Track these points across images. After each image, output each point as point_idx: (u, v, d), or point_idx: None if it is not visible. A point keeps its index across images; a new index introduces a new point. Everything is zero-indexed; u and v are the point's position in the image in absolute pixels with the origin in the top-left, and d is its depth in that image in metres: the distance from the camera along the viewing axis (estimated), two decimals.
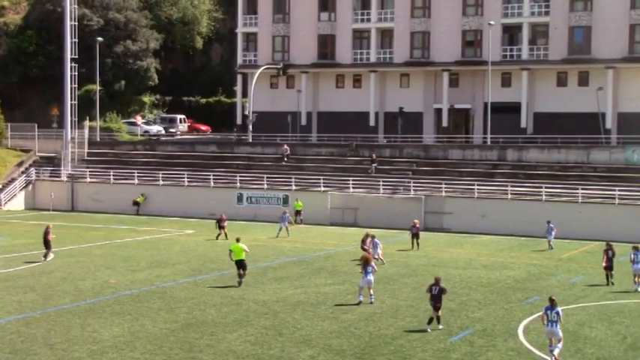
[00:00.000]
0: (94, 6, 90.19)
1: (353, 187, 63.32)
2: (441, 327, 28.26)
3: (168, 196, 67.48)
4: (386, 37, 79.64)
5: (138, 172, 70.21)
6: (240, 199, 65.47)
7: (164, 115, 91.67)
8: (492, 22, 70.66)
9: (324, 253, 46.73)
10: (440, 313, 28.40)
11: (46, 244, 43.03)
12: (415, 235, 48.73)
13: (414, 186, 61.90)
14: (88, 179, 72.08)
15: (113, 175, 70.92)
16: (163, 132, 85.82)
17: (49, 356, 24.69)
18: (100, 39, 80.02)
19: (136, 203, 67.52)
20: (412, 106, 77.53)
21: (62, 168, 74.02)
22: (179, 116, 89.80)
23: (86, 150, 76.99)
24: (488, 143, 69.93)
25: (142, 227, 57.78)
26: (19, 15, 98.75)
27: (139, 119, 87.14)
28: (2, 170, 75.72)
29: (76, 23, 74.69)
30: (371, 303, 32.35)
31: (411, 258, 45.12)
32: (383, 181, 63.39)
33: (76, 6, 75.81)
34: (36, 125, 78.37)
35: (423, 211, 59.66)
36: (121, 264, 41.95)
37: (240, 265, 36.08)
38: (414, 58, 77.68)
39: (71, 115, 74.37)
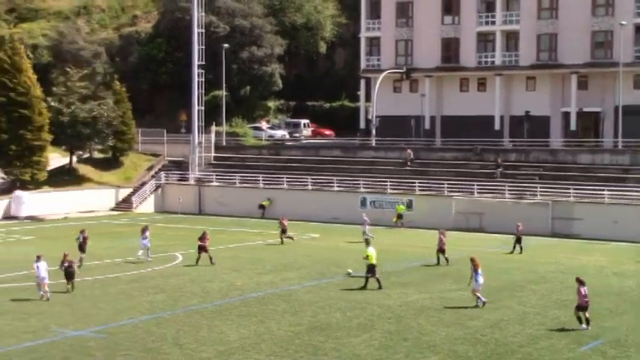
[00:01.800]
0: (221, 13, 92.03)
1: (478, 192, 62.42)
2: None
3: (293, 200, 68.07)
4: (511, 39, 78.20)
5: (263, 176, 71.21)
6: (363, 203, 65.47)
7: (288, 120, 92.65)
8: (624, 22, 68.44)
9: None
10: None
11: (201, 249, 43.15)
12: (518, 239, 47.97)
13: (540, 191, 60.52)
14: (215, 183, 73.58)
15: (239, 179, 72.17)
16: (288, 136, 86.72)
17: (178, 356, 25.25)
18: (226, 45, 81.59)
19: (261, 207, 68.43)
20: (539, 109, 75.83)
21: (190, 172, 75.79)
22: (303, 121, 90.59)
23: (213, 154, 78.60)
24: (620, 147, 67.69)
25: (267, 231, 58.50)
26: (149, 24, 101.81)
27: (264, 124, 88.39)
28: (134, 174, 78.19)
29: (203, 30, 76.40)
30: (479, 305, 32.20)
31: (539, 265, 44.08)
32: (509, 186, 62.23)
33: (204, 14, 77.54)
34: (165, 130, 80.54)
35: (551, 217, 58.24)
36: (247, 266, 42.56)
37: (371, 269, 36.10)
38: (540, 60, 76.02)
39: (198, 121, 76.10)
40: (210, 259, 42.65)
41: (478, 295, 32.49)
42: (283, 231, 52.33)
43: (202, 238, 43.15)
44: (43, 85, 71.33)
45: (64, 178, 73.93)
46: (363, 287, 36.13)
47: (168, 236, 54.39)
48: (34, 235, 53.96)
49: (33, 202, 67.10)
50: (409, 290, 36.09)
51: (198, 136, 76.62)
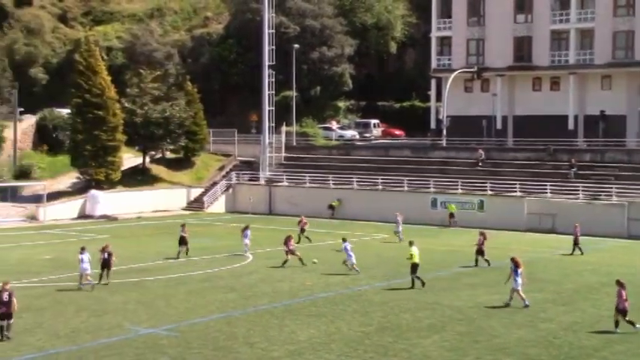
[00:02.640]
0: (291, 14, 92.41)
1: (551, 193, 61.47)
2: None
3: (363, 201, 67.99)
4: (586, 37, 76.74)
5: (332, 176, 71.26)
6: (434, 203, 65.04)
7: (358, 120, 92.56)
8: None
9: (521, 260, 45.50)
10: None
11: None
12: (575, 241, 47.23)
13: (616, 192, 59.32)
14: (285, 183, 73.91)
15: (309, 179, 72.37)
16: (357, 136, 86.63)
17: (249, 354, 25.38)
18: (296, 46, 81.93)
19: (331, 207, 68.48)
20: (614, 108, 74.27)
21: (260, 172, 76.28)
22: (373, 121, 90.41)
23: (283, 154, 78.98)
24: None
25: (337, 231, 58.49)
26: (221, 25, 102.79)
27: (334, 124, 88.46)
28: (205, 174, 79.04)
29: (274, 31, 76.81)
30: (526, 306, 32.02)
31: (614, 267, 43.20)
32: (583, 187, 61.17)
33: (274, 14, 77.97)
34: (236, 131, 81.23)
35: (627, 218, 57.05)
36: (317, 266, 42.59)
37: (415, 268, 36.23)
38: (616, 58, 74.48)
39: (269, 121, 76.54)
40: (301, 260, 42.50)
41: (521, 294, 32.36)
42: (302, 230, 52.12)
43: (287, 241, 42.97)
44: (117, 87, 72.57)
45: (137, 178, 75.11)
46: (411, 287, 36.28)
47: (239, 236, 54.68)
48: (108, 234, 54.86)
49: (107, 201, 68.31)
50: (479, 291, 35.71)
51: (269, 137, 77.06)
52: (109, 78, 71.28)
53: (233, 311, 31.52)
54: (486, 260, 42.66)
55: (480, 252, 42.87)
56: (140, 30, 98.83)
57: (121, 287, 36.46)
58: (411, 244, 37.19)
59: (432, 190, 65.83)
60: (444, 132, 76.91)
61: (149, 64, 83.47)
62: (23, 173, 74.42)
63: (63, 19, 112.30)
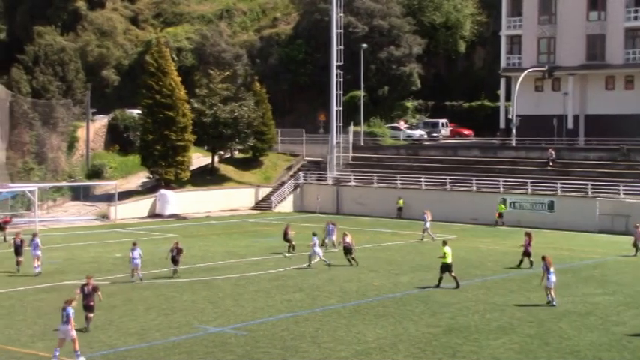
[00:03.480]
0: (360, 14, 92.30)
1: (624, 194, 60.23)
2: None
3: (431, 201, 67.47)
4: None
5: (400, 177, 70.96)
6: (503, 204, 64.27)
7: (427, 120, 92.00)
8: None
9: (593, 262, 44.79)
10: None
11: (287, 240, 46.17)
12: (635, 243, 46.24)
13: None
14: (353, 183, 73.83)
15: (376, 179, 72.18)
16: (426, 136, 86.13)
17: (316, 354, 25.38)
18: (364, 46, 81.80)
19: (399, 208, 68.24)
20: None
21: (328, 172, 76.33)
22: (441, 121, 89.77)
23: (351, 154, 78.90)
24: None
25: (405, 231, 58.25)
26: (289, 25, 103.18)
27: (402, 124, 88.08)
28: (273, 174, 79.42)
29: (342, 31, 76.80)
30: (553, 304, 31.92)
31: None
32: None
33: (342, 14, 77.95)
34: (304, 131, 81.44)
35: None
36: (385, 267, 42.48)
37: (446, 268, 36.19)
38: None
39: (337, 121, 76.55)
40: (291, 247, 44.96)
41: (552, 293, 32.36)
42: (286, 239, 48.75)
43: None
44: (186, 87, 73.37)
45: (206, 177, 75.84)
46: (437, 285, 36.41)
47: (307, 236, 54.77)
48: (177, 233, 55.48)
49: (177, 201, 69.11)
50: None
51: (337, 137, 77.07)
52: (178, 79, 72.08)
53: (300, 311, 31.57)
54: (531, 262, 41.92)
55: (526, 253, 42.20)
56: (209, 31, 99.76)
57: (190, 286, 36.84)
58: (444, 243, 37.10)
59: (501, 190, 65.06)
60: (514, 132, 75.96)
61: (218, 65, 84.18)
62: (95, 173, 75.79)
63: (134, 21, 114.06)
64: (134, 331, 28.13)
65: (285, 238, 47.58)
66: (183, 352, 25.48)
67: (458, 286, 35.97)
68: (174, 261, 39.33)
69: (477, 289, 36.03)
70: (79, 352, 24.52)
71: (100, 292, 28.90)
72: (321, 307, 32.39)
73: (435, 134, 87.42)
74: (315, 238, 42.64)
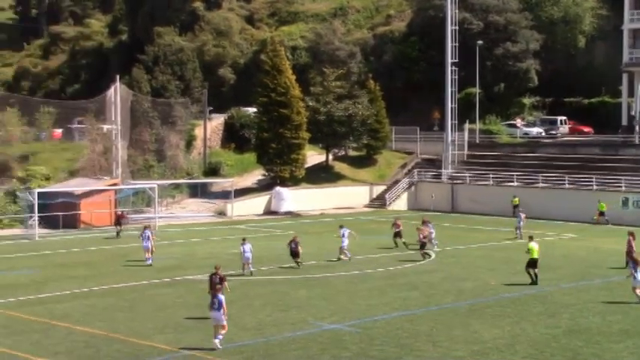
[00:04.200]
0: (475, 10, 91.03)
1: None
2: None
3: (548, 199, 66.07)
4: None
5: (517, 175, 69.69)
6: (625, 203, 62.33)
7: (544, 117, 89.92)
8: None
9: None
10: None
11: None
12: None
13: None
14: (468, 181, 72.91)
15: (492, 177, 71.08)
16: (543, 134, 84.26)
17: (431, 353, 25.14)
18: (480, 42, 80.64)
19: (515, 206, 66.99)
20: None
21: (443, 170, 75.62)
22: (560, 118, 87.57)
23: (466, 152, 77.95)
24: None
25: (521, 230, 57.12)
26: (403, 22, 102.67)
27: (518, 121, 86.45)
28: (387, 172, 79.24)
29: (457, 28, 75.93)
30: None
31: None
32: None
33: (457, 11, 77.07)
34: (418, 128, 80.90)
35: None
36: (501, 266, 41.80)
37: (533, 264, 36.07)
38: None
39: (451, 119, 75.75)
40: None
41: (638, 292, 31.52)
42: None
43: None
44: (301, 85, 73.87)
45: (321, 175, 76.24)
46: (531, 282, 36.14)
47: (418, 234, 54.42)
48: (292, 230, 55.93)
49: (292, 198, 69.70)
50: None
51: (452, 134, 76.28)
52: (293, 77, 72.65)
53: (415, 309, 31.35)
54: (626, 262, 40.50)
55: (629, 255, 40.62)
56: (323, 29, 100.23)
57: (304, 283, 37.08)
58: (530, 239, 37.16)
59: (623, 189, 63.07)
60: (637, 129, 73.57)
61: (332, 63, 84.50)
62: (212, 170, 77.20)
63: (250, 20, 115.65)
64: (250, 327, 28.48)
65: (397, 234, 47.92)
66: (298, 349, 25.63)
67: (535, 283, 35.99)
68: (294, 254, 40.86)
69: (598, 291, 35.06)
70: (220, 337, 25.54)
71: (226, 283, 29.94)
72: (437, 305, 32.10)
73: (553, 131, 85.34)
74: (343, 230, 43.98)
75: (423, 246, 44.12)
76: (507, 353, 25.02)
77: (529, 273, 36.30)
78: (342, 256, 43.53)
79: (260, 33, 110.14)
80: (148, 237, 42.69)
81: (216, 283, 29.10)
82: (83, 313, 30.80)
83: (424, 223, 47.48)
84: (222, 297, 25.92)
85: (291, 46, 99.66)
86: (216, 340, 25.49)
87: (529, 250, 36.40)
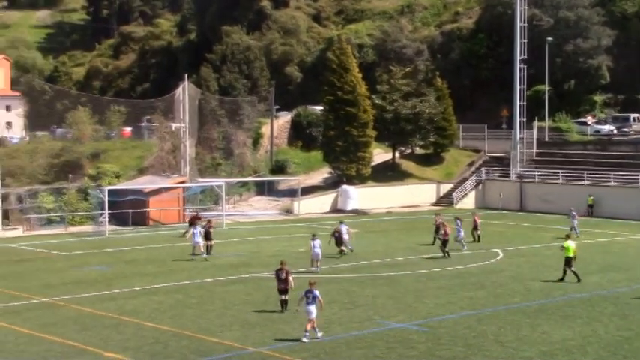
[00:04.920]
0: (544, 6, 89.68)
1: None
2: None
3: (620, 198, 64.80)
4: None
5: (587, 173, 68.50)
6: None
7: (616, 114, 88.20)
8: None
9: None
10: None
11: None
12: None
13: None
14: (537, 180, 71.90)
15: (562, 176, 69.98)
16: (615, 131, 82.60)
17: (499, 353, 24.83)
18: (549, 39, 79.42)
19: (590, 205, 65.93)
20: None
21: (511, 168, 74.70)
22: (633, 115, 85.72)
23: (535, 150, 76.91)
24: None
25: (593, 229, 56.18)
26: (471, 19, 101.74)
27: (589, 119, 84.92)
28: (455, 170, 78.61)
29: (526, 24, 74.93)
30: None
31: None
32: None
33: (526, 7, 76.03)
34: (486, 126, 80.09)
35: None
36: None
37: (567, 262, 36.17)
38: None
39: (520, 116, 74.77)
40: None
41: None
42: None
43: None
44: (367, 84, 73.69)
45: (387, 173, 75.99)
46: (561, 279, 36.34)
47: (489, 232, 53.99)
48: (359, 229, 55.89)
49: (358, 196, 69.60)
50: None
51: (520, 132, 75.29)
52: (360, 75, 72.54)
53: (483, 309, 31.01)
54: None
55: None
56: (390, 27, 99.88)
57: (371, 281, 36.98)
58: (567, 237, 37.10)
59: None
60: None
61: (399, 61, 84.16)
62: (279, 168, 77.53)
63: (317, 18, 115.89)
64: (317, 324, 28.42)
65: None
66: (364, 347, 25.55)
67: (579, 280, 35.93)
68: (339, 242, 43.32)
69: (558, 280, 35.52)
70: (307, 334, 26.15)
71: (291, 278, 30.30)
72: (504, 305, 31.70)
73: (625, 129, 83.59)
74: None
75: (444, 243, 43.86)
76: (577, 354, 24.58)
77: (564, 271, 36.47)
78: (343, 248, 44.12)
79: (327, 31, 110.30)
80: (199, 233, 44.22)
81: (282, 279, 29.82)
82: (152, 309, 31.18)
83: (456, 220, 48.11)
84: (317, 292, 26.58)
85: (358, 44, 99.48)
86: (304, 339, 26.09)
87: (565, 248, 36.42)
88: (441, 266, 41.00)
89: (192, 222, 50.41)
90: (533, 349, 25.20)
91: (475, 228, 50.34)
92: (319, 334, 26.40)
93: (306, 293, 26.64)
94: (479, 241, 49.39)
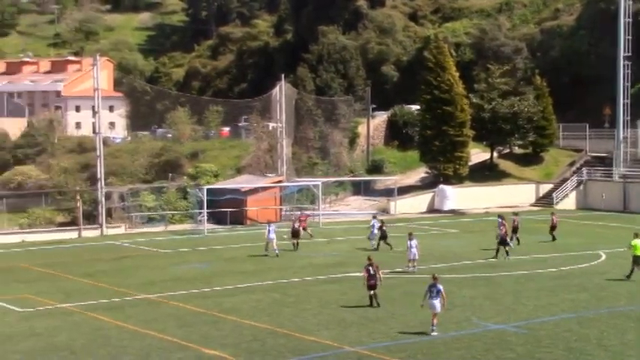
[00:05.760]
0: None
1: None
2: None
3: None
4: None
5: None
6: None
7: None
8: None
9: None
10: None
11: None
12: None
13: None
14: None
15: None
16: None
17: (602, 357, 24.24)
18: None
19: None
20: None
21: (614, 168, 72.77)
22: None
23: (639, 150, 74.73)
24: None
25: None
26: (572, 16, 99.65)
27: None
28: (555, 170, 77.10)
29: (630, 20, 72.87)
30: None
31: None
32: None
33: (631, 2, 73.97)
34: (587, 125, 78.28)
35: None
36: None
37: (635, 260, 35.77)
38: None
39: (624, 114, 72.73)
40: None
41: None
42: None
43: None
44: (464, 83, 72.94)
45: (485, 173, 75.05)
46: (628, 276, 36.18)
47: (591, 234, 52.80)
48: (456, 229, 55.36)
49: (455, 196, 68.92)
50: None
51: (624, 131, 73.24)
52: (457, 74, 71.83)
53: (585, 311, 30.30)
54: None
55: None
56: (488, 25, 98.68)
57: (469, 282, 36.54)
58: (636, 236, 36.27)
59: None
60: None
61: (497, 59, 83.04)
62: (375, 168, 77.41)
63: (413, 17, 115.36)
64: (414, 325, 28.29)
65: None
66: (462, 348, 25.26)
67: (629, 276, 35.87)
68: (384, 237, 45.77)
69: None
70: (434, 327, 26.61)
71: (380, 273, 31.01)
72: (607, 308, 30.89)
73: None
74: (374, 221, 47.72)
75: (502, 242, 42.94)
76: None
77: (632, 270, 36.28)
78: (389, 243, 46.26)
79: (423, 30, 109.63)
80: (273, 230, 45.20)
81: (372, 274, 30.61)
82: (250, 307, 31.48)
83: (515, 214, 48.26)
84: (440, 286, 26.90)
85: (455, 42, 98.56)
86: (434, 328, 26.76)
87: (632, 247, 36.11)
88: (541, 268, 40.20)
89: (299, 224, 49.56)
90: (639, 354, 24.47)
91: (515, 230, 48.15)
92: (433, 333, 26.69)
93: (430, 288, 27.01)
94: (518, 244, 47.47)
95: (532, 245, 47.54)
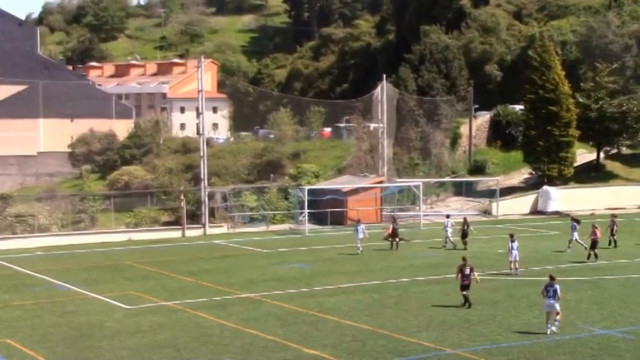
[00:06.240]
0: None
1: None
2: None
3: None
4: None
5: None
6: None
7: None
8: None
9: None
10: None
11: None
12: None
13: None
14: None
15: None
16: None
17: None
18: None
19: None
20: None
21: None
22: None
23: None
24: None
25: None
26: None
27: None
28: None
29: None
30: None
31: None
32: None
33: None
34: None
35: None
36: None
37: None
38: None
39: None
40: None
41: None
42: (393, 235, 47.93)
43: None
44: (570, 82, 71.39)
45: (591, 174, 73.32)
46: None
47: None
48: (559, 231, 54.17)
49: (559, 197, 67.46)
50: None
51: None
52: (562, 73, 70.38)
53: None
54: None
55: None
56: (596, 22, 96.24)
57: (574, 285, 35.66)
58: None
59: None
60: None
61: (605, 57, 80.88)
62: (477, 169, 76.51)
63: (518, 16, 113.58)
64: (516, 328, 27.80)
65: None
66: (566, 353, 24.69)
67: None
68: (465, 235, 46.75)
69: None
70: (557, 323, 26.80)
71: (475, 274, 30.87)
72: None
73: None
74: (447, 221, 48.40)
75: (593, 245, 42.42)
76: None
77: None
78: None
79: (528, 28, 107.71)
80: (362, 229, 45.76)
81: (465, 275, 30.48)
82: (350, 308, 31.48)
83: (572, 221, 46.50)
84: (557, 286, 26.76)
85: (561, 40, 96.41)
86: (553, 328, 26.73)
87: None
88: None
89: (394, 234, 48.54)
90: None
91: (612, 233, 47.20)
92: (549, 330, 26.73)
93: (547, 287, 26.98)
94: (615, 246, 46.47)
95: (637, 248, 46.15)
